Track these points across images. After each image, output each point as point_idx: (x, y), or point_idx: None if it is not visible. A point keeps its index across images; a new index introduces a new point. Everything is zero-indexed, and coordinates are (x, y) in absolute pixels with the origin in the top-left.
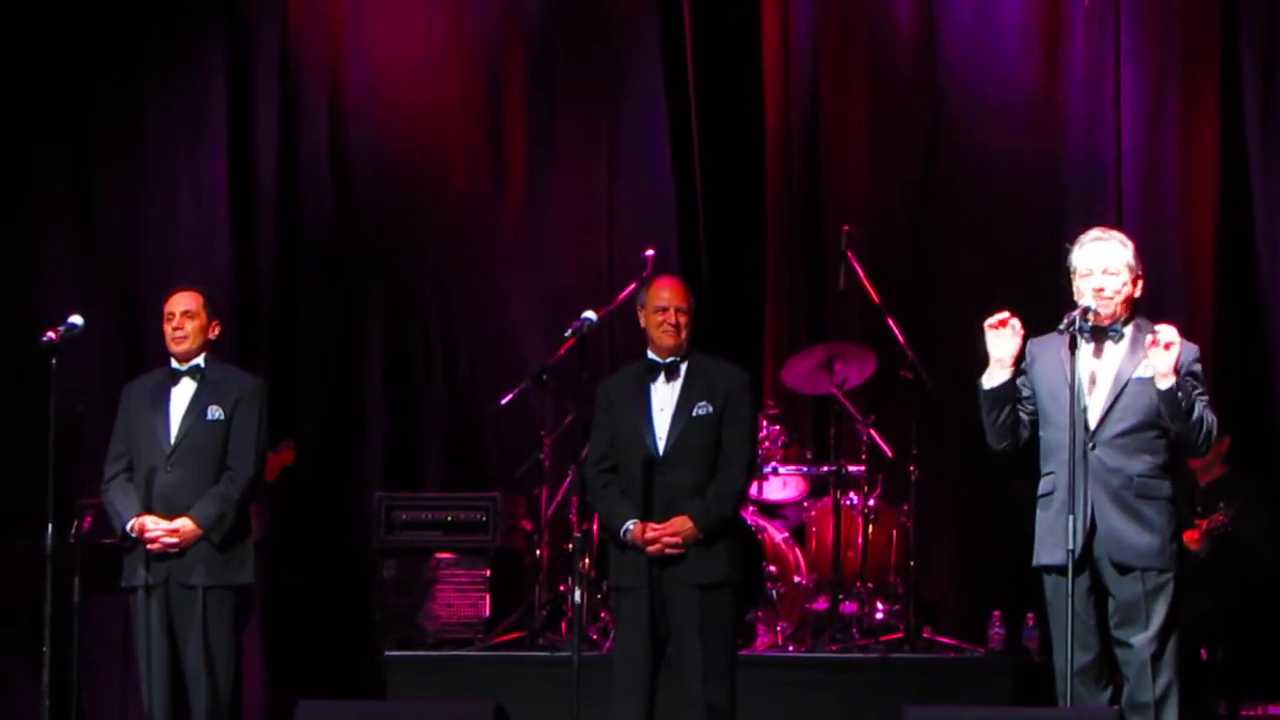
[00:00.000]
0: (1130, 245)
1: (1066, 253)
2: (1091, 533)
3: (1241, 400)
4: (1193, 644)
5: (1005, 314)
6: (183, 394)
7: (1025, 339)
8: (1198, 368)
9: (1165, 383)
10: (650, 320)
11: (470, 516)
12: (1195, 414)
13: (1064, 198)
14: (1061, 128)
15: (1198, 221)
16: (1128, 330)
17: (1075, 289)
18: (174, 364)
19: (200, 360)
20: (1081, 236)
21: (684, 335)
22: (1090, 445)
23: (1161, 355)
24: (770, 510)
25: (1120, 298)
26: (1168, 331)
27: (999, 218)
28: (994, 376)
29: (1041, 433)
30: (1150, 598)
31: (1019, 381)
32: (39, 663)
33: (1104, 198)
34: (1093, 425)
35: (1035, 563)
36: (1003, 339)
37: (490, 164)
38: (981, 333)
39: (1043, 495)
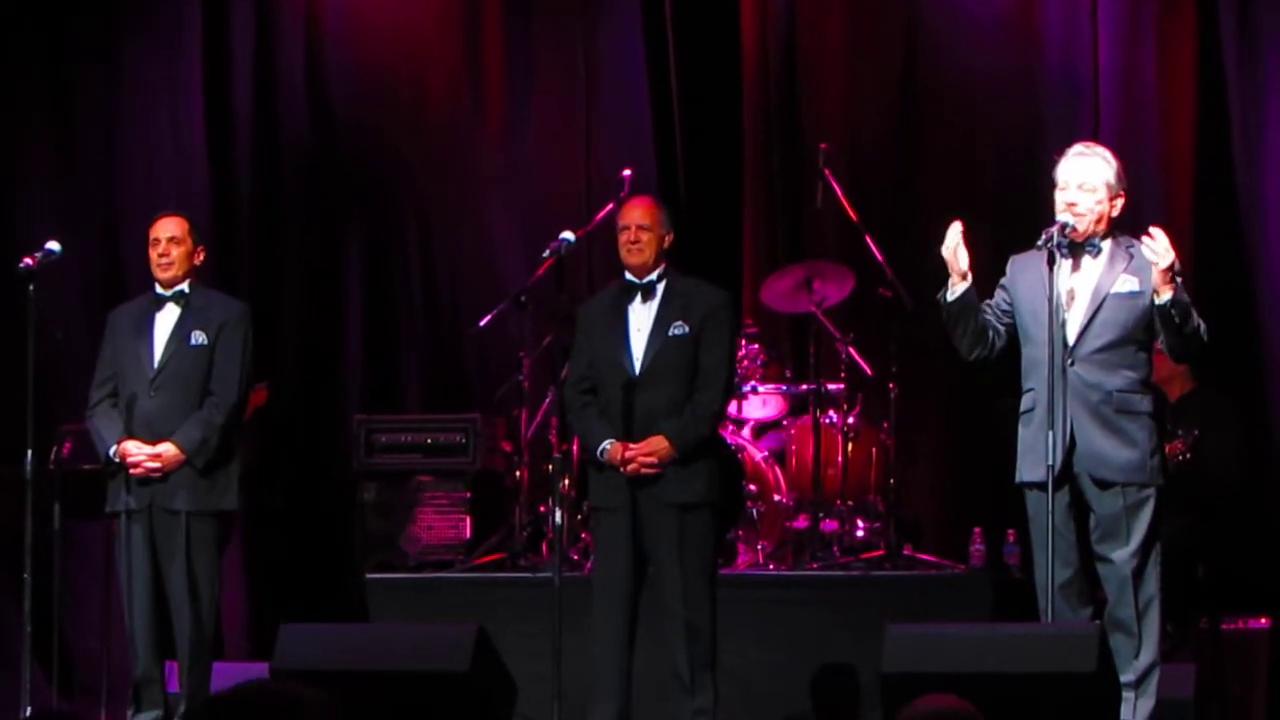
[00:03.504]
0: (1114, 164)
1: (1053, 164)
2: (1071, 449)
3: (1218, 315)
4: (1174, 561)
5: (958, 229)
6: (167, 319)
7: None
8: (1178, 280)
9: (1165, 295)
10: (618, 240)
11: (450, 439)
12: (1192, 323)
13: (1042, 114)
14: (1039, 43)
15: (1176, 136)
16: (1106, 245)
17: (1056, 202)
18: (159, 290)
19: (185, 286)
20: (1068, 150)
21: (649, 254)
22: (1069, 361)
23: (1161, 257)
24: (750, 429)
25: (1093, 215)
26: (1160, 244)
27: (977, 134)
28: (956, 288)
29: (1023, 349)
30: (1131, 513)
31: (999, 296)
32: (20, 590)
33: (1081, 113)
34: (1071, 341)
35: (1016, 480)
36: (958, 254)
37: (468, 86)
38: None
39: (1023, 412)
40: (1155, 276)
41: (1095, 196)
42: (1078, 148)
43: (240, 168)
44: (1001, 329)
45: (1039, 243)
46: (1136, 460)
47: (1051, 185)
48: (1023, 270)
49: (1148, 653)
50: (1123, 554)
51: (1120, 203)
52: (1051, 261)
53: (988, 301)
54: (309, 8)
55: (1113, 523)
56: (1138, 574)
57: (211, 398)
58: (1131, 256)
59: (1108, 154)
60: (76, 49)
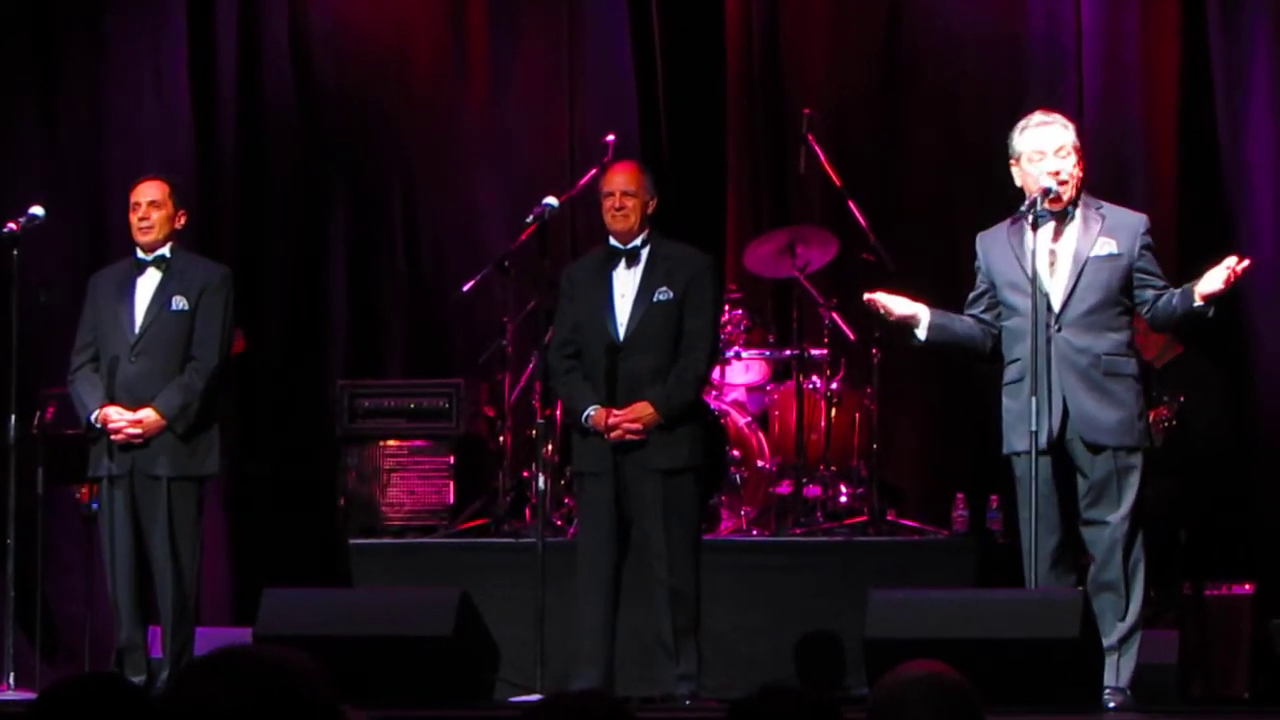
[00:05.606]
0: (1072, 126)
1: (1007, 140)
2: (1064, 416)
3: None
4: (1157, 526)
5: (870, 298)
6: (148, 284)
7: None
8: (1149, 238)
9: (1206, 307)
10: (602, 206)
11: (433, 404)
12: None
13: (1025, 77)
14: (1022, 7)
15: (1159, 100)
16: (1078, 210)
17: (1022, 173)
18: (139, 254)
19: (166, 250)
20: (1023, 121)
21: (634, 219)
22: (1056, 327)
23: (1221, 285)
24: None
25: (1074, 180)
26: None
27: (960, 99)
28: (920, 334)
29: (1005, 322)
30: (1122, 475)
31: (979, 279)
32: (3, 554)
33: (1065, 77)
34: (1056, 307)
35: (1006, 450)
36: (892, 305)
37: (451, 52)
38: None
39: (1009, 383)
40: (1207, 286)
41: (1072, 161)
42: (1038, 116)
43: (224, 134)
44: (989, 316)
45: (1022, 209)
46: (1125, 422)
47: (1012, 157)
48: (992, 245)
49: (1131, 615)
50: (1116, 516)
51: (1082, 164)
52: (1035, 229)
53: (971, 295)
54: None
55: (1105, 486)
56: (1128, 537)
57: (192, 363)
58: (1104, 218)
59: (1064, 119)
60: (62, 15)
